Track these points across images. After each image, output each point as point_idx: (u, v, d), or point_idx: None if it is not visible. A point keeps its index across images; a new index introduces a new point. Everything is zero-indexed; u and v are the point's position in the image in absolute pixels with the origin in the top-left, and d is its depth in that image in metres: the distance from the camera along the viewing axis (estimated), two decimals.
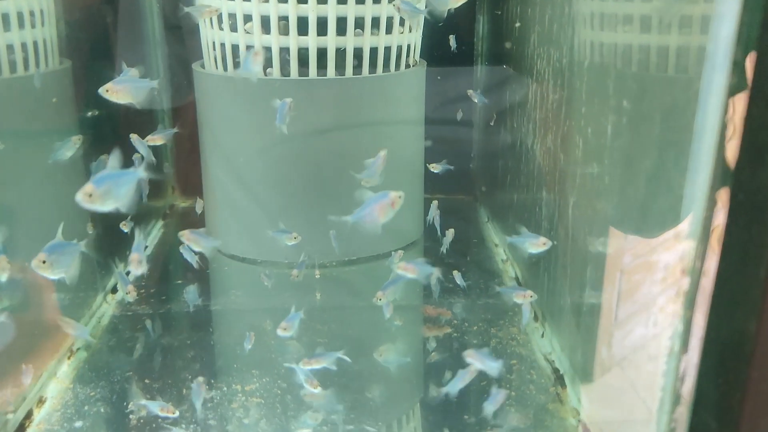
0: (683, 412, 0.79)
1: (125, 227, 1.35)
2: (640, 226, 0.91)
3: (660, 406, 0.80)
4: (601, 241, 1.03)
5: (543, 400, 1.11)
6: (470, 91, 1.68)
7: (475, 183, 1.98)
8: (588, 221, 1.07)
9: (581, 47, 1.07)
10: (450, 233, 1.55)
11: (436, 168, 1.57)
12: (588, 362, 1.10)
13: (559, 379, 1.15)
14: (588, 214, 1.07)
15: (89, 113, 1.49)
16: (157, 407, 1.03)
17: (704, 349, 0.77)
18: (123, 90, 0.98)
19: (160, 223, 1.84)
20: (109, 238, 1.54)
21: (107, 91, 0.96)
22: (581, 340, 1.13)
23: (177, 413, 1.04)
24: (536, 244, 1.12)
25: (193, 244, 1.20)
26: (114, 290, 1.47)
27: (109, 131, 1.62)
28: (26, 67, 1.31)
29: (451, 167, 1.56)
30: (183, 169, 1.97)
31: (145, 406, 1.06)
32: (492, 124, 1.73)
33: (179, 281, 1.55)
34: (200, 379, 1.10)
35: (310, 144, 1.53)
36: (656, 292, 0.98)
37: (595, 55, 1.02)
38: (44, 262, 0.88)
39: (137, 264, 1.00)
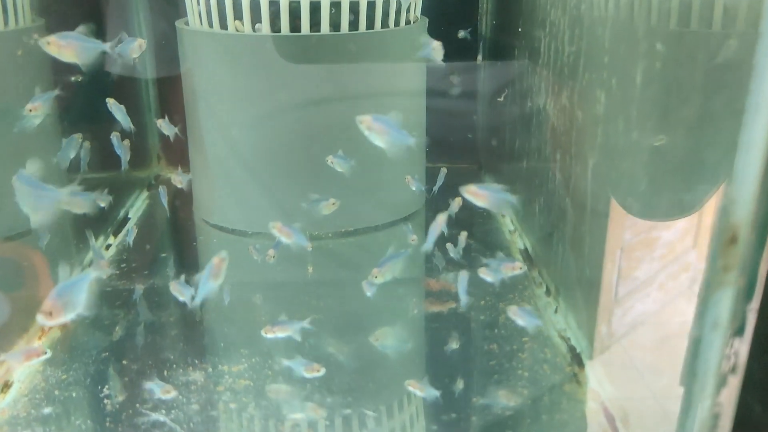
0: (729, 396, 0.69)
1: (102, 202, 1.24)
2: (675, 186, 0.80)
3: (701, 389, 0.70)
4: (630, 204, 0.92)
5: (559, 381, 1.01)
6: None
7: (479, 151, 1.87)
8: (612, 184, 0.96)
9: None
10: (457, 202, 1.44)
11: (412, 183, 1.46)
12: (609, 340, 1.01)
13: (576, 358, 1.05)
14: (612, 176, 0.96)
15: (70, 78, 1.39)
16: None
17: (755, 329, 0.67)
18: (67, 47, 0.86)
19: (145, 194, 1.73)
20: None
21: (48, 43, 0.85)
22: (600, 315, 1.03)
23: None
24: (511, 268, 1.06)
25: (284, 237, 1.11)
26: (92, 264, 1.36)
27: (85, 94, 1.51)
28: None
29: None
30: (168, 137, 1.85)
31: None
32: (501, 99, 1.60)
33: (163, 254, 1.45)
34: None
35: (303, 107, 1.42)
36: (699, 265, 0.88)
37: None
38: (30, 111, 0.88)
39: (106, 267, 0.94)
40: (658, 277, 1.00)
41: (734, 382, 0.68)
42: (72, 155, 1.21)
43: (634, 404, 0.96)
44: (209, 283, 0.87)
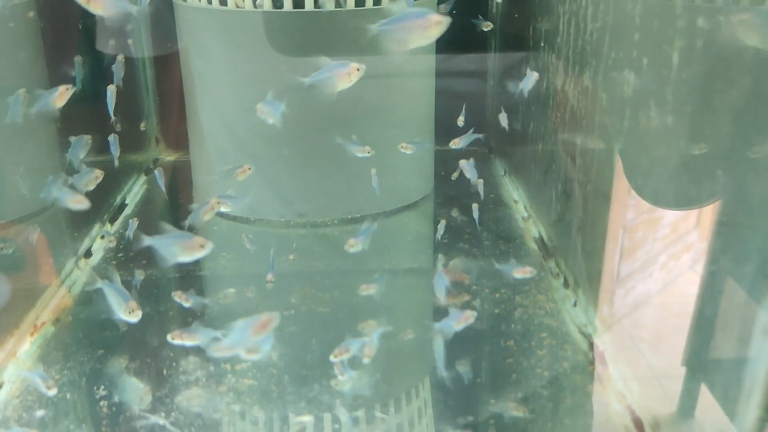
0: None
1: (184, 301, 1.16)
2: (714, 175, 0.74)
3: (749, 394, 0.64)
4: (659, 195, 0.86)
5: (580, 382, 0.95)
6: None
7: (490, 134, 1.80)
8: (640, 172, 0.90)
9: None
10: (480, 183, 1.36)
11: (456, 144, 1.36)
12: (611, 319, 0.95)
13: (599, 357, 0.99)
14: (641, 164, 0.90)
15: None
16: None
17: None
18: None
19: (143, 178, 1.67)
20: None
21: None
22: (625, 310, 0.97)
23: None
24: (522, 272, 1.07)
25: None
26: (88, 254, 1.30)
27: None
28: None
29: (480, 136, 1.35)
30: (167, 119, 1.79)
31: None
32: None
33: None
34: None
35: (306, 88, 1.35)
36: (700, 245, 0.82)
37: None
38: None
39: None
40: (661, 256, 0.95)
41: None
42: (82, 155, 1.15)
43: (636, 384, 0.91)
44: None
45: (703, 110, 0.75)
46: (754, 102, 0.69)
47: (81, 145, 1.22)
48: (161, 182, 1.44)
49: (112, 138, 1.29)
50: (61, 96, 0.99)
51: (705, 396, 0.83)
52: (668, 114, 0.81)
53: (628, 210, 0.97)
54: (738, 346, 0.72)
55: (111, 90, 1.24)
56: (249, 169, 1.20)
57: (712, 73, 0.73)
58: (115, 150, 1.29)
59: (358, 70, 0.86)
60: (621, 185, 0.96)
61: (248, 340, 0.75)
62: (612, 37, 0.97)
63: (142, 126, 1.71)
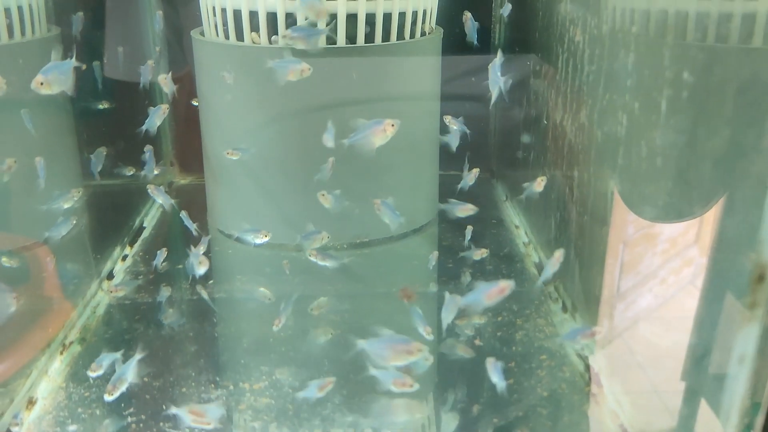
0: (755, 429, 0.70)
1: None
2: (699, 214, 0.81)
3: (726, 421, 0.71)
4: (648, 229, 0.93)
5: (577, 402, 1.02)
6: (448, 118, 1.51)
7: (492, 159, 1.87)
8: (633, 206, 0.97)
9: (626, 13, 0.96)
10: (474, 172, 1.43)
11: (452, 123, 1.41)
12: (628, 359, 1.01)
13: (595, 378, 1.05)
14: (633, 199, 0.97)
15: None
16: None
17: None
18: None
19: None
20: (101, 221, 1.45)
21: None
22: (620, 334, 1.03)
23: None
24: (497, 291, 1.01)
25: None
26: (110, 276, 1.37)
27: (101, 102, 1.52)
28: (11, 34, 1.21)
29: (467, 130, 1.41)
30: (182, 144, 1.86)
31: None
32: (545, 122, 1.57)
33: (180, 266, 1.45)
34: None
35: (318, 117, 1.42)
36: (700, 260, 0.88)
37: (645, 20, 0.90)
38: (42, 83, 0.91)
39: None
40: (660, 271, 1.01)
41: (759, 419, 0.69)
42: (100, 168, 1.23)
43: (636, 398, 0.97)
44: None
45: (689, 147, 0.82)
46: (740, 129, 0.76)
47: (99, 159, 1.30)
48: (164, 199, 1.48)
49: (147, 150, 1.35)
50: (163, 113, 1.18)
51: (704, 411, 0.89)
52: (657, 156, 0.88)
53: (628, 227, 1.02)
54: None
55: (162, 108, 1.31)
56: (324, 237, 1.30)
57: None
58: (151, 162, 1.35)
59: (392, 126, 0.92)
60: (620, 205, 1.02)
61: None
62: (607, 79, 1.04)
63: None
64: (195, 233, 1.31)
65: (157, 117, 1.26)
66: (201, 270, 1.14)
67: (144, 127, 1.26)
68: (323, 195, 1.29)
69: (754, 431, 0.71)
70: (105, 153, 1.32)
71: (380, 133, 0.89)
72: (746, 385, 0.68)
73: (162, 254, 1.35)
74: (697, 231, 0.95)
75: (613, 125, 1.01)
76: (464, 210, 1.26)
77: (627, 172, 0.97)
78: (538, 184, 1.29)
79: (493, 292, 0.83)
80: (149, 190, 1.31)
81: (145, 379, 1.06)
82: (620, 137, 0.99)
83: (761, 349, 0.66)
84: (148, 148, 1.36)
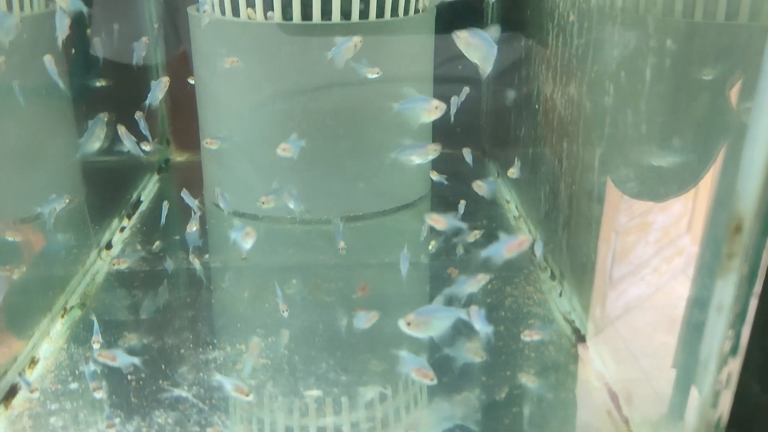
0: (730, 376, 0.73)
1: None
2: (683, 177, 0.84)
3: (704, 369, 0.74)
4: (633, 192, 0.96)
5: (564, 362, 1.05)
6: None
7: (483, 137, 1.90)
8: (618, 174, 1.00)
9: None
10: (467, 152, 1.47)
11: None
12: (608, 320, 1.05)
13: (581, 340, 1.09)
14: (619, 165, 1.00)
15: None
16: (231, 386, 0.94)
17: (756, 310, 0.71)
18: None
19: (155, 177, 1.76)
20: (100, 194, 1.47)
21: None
22: (604, 298, 1.07)
23: (251, 396, 0.94)
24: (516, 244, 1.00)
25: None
26: (109, 246, 1.39)
27: (98, 80, 1.53)
28: (9, 8, 1.22)
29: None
30: (179, 122, 1.88)
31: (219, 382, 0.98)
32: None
33: (177, 237, 1.48)
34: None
35: (312, 94, 1.45)
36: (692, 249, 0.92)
37: None
38: None
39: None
40: (653, 260, 1.04)
41: (735, 364, 0.72)
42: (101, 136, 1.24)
43: (639, 387, 1.00)
44: None
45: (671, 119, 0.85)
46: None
47: (98, 125, 1.30)
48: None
49: (139, 117, 1.35)
50: (165, 86, 1.18)
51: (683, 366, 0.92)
52: (642, 123, 0.91)
53: (621, 214, 1.05)
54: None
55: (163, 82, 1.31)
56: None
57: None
58: (145, 129, 1.36)
59: (437, 108, 0.95)
60: (613, 190, 1.05)
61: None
62: (595, 51, 1.07)
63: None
64: (197, 210, 1.32)
65: (159, 90, 1.27)
66: (248, 242, 1.08)
67: (147, 101, 1.27)
68: (283, 148, 1.28)
69: (730, 381, 0.75)
70: (106, 119, 1.33)
71: (426, 112, 0.90)
72: (723, 333, 0.72)
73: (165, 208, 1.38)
74: (689, 220, 0.98)
75: (600, 95, 1.04)
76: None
77: (614, 140, 1.01)
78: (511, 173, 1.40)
79: (513, 245, 0.85)
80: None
81: (144, 341, 1.09)
82: (607, 107, 1.02)
83: (737, 299, 0.70)
84: (139, 114, 1.37)
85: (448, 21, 1.66)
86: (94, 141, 1.20)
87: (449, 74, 1.84)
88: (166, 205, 1.41)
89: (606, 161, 1.04)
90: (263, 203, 1.19)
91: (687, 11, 0.82)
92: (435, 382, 0.91)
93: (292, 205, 1.36)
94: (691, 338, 0.83)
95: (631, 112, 0.94)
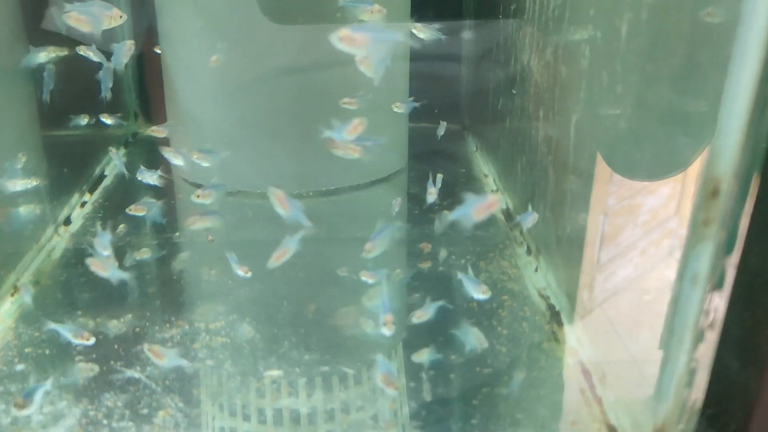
0: (707, 351, 0.69)
1: (137, 211, 1.20)
2: (660, 141, 0.79)
3: (679, 343, 0.70)
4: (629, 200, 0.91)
5: (538, 339, 1.01)
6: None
7: (463, 111, 1.85)
8: (595, 138, 0.95)
9: None
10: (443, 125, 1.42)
11: (399, 107, 1.40)
12: (587, 298, 1.00)
13: (555, 317, 1.05)
14: (595, 131, 0.95)
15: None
16: (70, 333, 0.91)
17: (734, 281, 0.66)
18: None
19: (122, 151, 1.70)
20: (60, 168, 1.40)
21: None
22: (579, 273, 1.02)
23: (92, 340, 0.92)
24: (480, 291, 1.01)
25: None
26: (67, 222, 1.33)
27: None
28: None
29: (416, 104, 1.39)
30: (146, 94, 1.81)
31: (56, 330, 0.94)
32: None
33: (142, 213, 1.42)
34: None
35: (284, 68, 1.39)
36: (673, 222, 0.87)
37: None
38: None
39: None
40: (641, 242, 1.00)
41: (712, 338, 0.68)
42: (51, 87, 1.18)
43: (614, 367, 0.97)
44: None
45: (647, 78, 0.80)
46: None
47: (50, 77, 1.24)
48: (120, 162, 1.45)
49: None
50: (129, 50, 1.10)
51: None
52: (617, 84, 0.85)
53: (610, 196, 1.01)
54: None
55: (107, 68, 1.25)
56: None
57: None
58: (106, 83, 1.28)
59: (379, 11, 0.92)
60: (602, 172, 1.00)
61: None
62: (571, 11, 1.02)
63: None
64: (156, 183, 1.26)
65: (122, 54, 1.19)
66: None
67: (111, 64, 1.19)
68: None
69: (706, 357, 0.71)
70: (54, 71, 1.26)
71: (483, 210, 0.82)
72: (698, 305, 0.67)
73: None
74: (677, 203, 0.94)
75: (576, 58, 0.98)
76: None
77: (589, 105, 0.96)
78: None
79: (481, 206, 0.79)
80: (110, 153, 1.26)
81: (98, 320, 1.04)
82: (583, 70, 0.96)
83: (713, 268, 0.65)
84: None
85: None
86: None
87: (428, 53, 1.78)
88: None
89: (581, 129, 0.99)
90: (198, 197, 1.12)
91: None
92: (397, 391, 0.87)
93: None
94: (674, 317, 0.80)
95: (606, 73, 0.88)
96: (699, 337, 0.69)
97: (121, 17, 0.90)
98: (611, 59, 0.86)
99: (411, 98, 1.43)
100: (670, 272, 0.87)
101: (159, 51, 1.49)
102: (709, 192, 0.62)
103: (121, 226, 1.33)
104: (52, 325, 0.93)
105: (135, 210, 1.19)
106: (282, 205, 0.97)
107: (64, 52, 1.15)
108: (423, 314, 0.97)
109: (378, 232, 0.98)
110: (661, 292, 0.89)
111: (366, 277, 1.05)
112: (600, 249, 1.02)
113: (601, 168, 0.95)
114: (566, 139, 1.04)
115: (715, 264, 0.65)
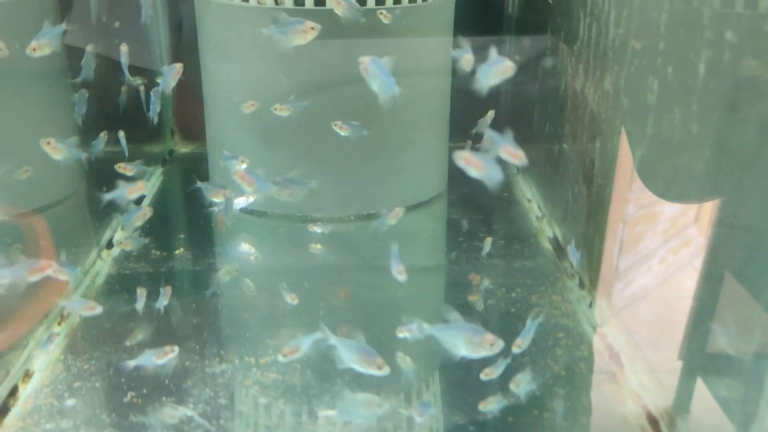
0: None
1: (126, 170, 1.20)
2: (737, 186, 0.76)
3: (751, 415, 0.67)
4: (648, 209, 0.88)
5: (596, 382, 0.98)
6: None
7: (503, 131, 1.81)
8: (660, 176, 0.92)
9: None
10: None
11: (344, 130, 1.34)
12: (650, 338, 0.97)
13: (614, 357, 1.01)
14: (661, 169, 0.92)
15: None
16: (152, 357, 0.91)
17: None
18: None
19: (160, 169, 1.69)
20: (101, 190, 1.39)
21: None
22: (641, 312, 0.99)
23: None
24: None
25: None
26: (110, 246, 1.32)
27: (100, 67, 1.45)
28: None
29: (364, 132, 1.35)
30: (184, 111, 1.80)
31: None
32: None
33: (182, 235, 1.40)
34: None
35: (326, 84, 1.37)
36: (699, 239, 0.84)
37: None
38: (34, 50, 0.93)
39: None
40: (660, 251, 0.98)
41: None
42: (84, 110, 1.18)
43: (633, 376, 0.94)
44: None
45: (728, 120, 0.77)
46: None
47: (82, 101, 1.24)
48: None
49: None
50: (177, 72, 1.11)
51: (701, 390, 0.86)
52: (692, 123, 0.83)
53: (629, 205, 0.99)
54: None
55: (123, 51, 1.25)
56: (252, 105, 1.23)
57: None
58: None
59: (312, 29, 0.94)
60: (622, 179, 0.98)
61: None
62: (636, 42, 0.99)
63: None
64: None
65: (171, 77, 1.18)
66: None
67: (160, 88, 1.19)
68: (338, 125, 1.23)
69: None
70: (87, 95, 1.26)
71: (300, 33, 0.86)
72: None
73: (165, 294, 1.14)
74: (696, 211, 0.92)
75: (641, 91, 0.95)
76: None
77: (656, 142, 0.93)
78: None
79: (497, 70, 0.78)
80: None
81: (147, 352, 1.02)
82: (650, 105, 0.93)
83: None
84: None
85: (468, 8, 1.58)
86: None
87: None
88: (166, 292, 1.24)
89: (645, 164, 0.96)
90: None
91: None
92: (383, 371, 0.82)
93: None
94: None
95: (678, 110, 0.85)
96: None
97: (313, 29, 0.93)
98: (685, 97, 0.83)
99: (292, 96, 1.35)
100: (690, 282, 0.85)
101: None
102: None
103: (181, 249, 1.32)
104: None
105: (123, 168, 1.19)
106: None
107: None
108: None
109: (527, 329, 0.94)
110: (681, 301, 0.87)
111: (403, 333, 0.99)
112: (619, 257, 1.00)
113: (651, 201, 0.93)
114: (626, 172, 1.01)
115: None
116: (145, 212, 1.13)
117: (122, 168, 1.16)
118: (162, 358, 0.90)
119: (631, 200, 1.00)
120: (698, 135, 0.82)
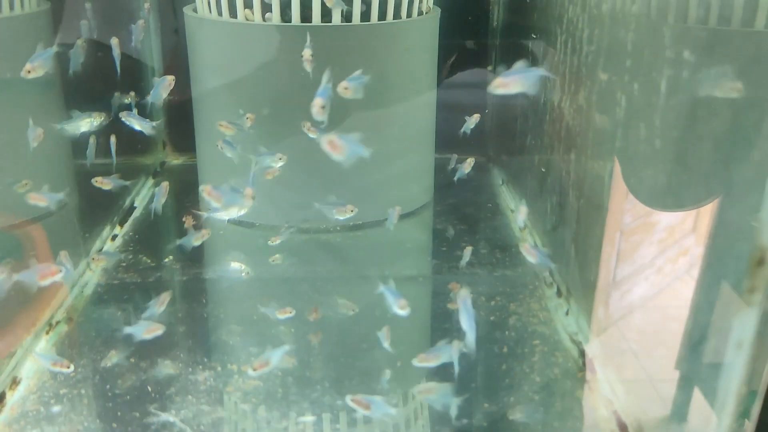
0: (752, 414, 0.68)
1: (103, 185, 1.21)
2: (699, 198, 0.79)
3: (722, 407, 0.69)
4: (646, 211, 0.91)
5: (570, 387, 1.00)
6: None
7: (488, 143, 1.85)
8: (632, 188, 0.95)
9: None
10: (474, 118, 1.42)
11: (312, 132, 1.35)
12: (623, 344, 1.00)
13: (588, 364, 1.04)
14: (630, 181, 0.95)
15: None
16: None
17: None
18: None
19: (151, 181, 1.72)
20: (92, 199, 1.42)
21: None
22: (614, 319, 1.02)
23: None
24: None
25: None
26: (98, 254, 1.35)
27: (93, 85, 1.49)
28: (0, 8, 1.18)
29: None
30: (175, 124, 1.83)
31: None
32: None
33: (170, 245, 1.43)
34: None
35: (312, 99, 1.40)
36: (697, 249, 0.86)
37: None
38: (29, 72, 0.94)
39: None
40: (657, 260, 0.99)
41: (756, 404, 0.67)
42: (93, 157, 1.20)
43: (629, 386, 0.96)
44: None
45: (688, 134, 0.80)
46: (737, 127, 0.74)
47: (92, 150, 1.27)
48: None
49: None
50: (168, 84, 1.12)
51: (697, 400, 0.88)
52: (656, 137, 0.86)
53: (625, 215, 1.01)
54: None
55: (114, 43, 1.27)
56: (351, 210, 1.26)
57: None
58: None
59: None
60: (618, 191, 1.00)
61: None
62: (606, 59, 1.02)
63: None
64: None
65: (162, 88, 1.19)
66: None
67: (150, 100, 1.21)
68: (306, 126, 1.25)
69: (749, 419, 0.70)
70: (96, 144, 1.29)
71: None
72: (743, 372, 0.67)
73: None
74: (694, 220, 0.94)
75: (611, 107, 0.98)
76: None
77: (625, 154, 0.96)
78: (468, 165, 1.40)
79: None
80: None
81: (132, 360, 1.05)
82: (619, 119, 0.97)
83: (759, 335, 0.65)
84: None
85: (453, 24, 1.61)
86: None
87: (454, 81, 1.79)
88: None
89: (616, 176, 0.99)
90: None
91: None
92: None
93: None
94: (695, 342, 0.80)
95: (644, 125, 0.89)
96: (743, 402, 0.68)
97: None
98: (650, 112, 0.87)
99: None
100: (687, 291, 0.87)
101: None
102: (755, 261, 0.62)
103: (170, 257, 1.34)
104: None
105: (101, 183, 1.21)
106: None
107: (104, 120, 1.18)
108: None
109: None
110: (678, 311, 0.89)
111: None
112: (616, 267, 1.02)
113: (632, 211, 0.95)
114: (600, 186, 1.04)
115: (762, 330, 0.65)
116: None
117: (99, 182, 1.18)
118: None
119: (628, 210, 1.02)
120: (661, 150, 0.85)
